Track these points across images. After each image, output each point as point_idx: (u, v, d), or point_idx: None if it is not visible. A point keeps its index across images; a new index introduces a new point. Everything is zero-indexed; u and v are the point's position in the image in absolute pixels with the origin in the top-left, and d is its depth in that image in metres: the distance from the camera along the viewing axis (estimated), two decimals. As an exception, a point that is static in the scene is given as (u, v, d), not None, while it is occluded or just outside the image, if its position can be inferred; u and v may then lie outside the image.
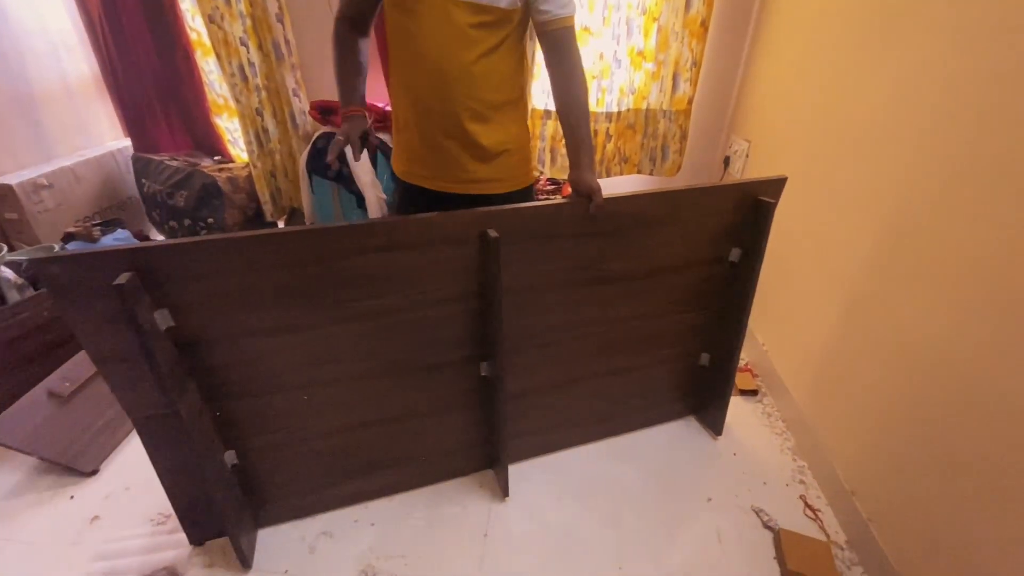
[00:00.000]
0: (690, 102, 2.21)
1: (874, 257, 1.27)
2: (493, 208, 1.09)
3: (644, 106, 2.24)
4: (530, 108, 2.23)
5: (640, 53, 2.13)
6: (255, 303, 1.00)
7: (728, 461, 1.51)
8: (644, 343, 1.45)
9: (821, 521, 1.35)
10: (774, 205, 1.27)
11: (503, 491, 1.37)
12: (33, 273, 1.84)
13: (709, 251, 1.36)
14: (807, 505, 1.39)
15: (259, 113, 2.39)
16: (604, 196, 1.12)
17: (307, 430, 1.20)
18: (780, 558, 1.24)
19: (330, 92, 2.24)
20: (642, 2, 2.03)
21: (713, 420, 1.60)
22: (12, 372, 1.55)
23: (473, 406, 1.33)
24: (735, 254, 1.37)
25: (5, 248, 1.88)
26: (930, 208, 1.10)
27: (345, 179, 2.18)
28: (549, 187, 2.36)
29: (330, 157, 1.04)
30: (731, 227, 1.33)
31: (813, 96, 1.60)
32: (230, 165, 2.59)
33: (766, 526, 1.33)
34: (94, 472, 1.42)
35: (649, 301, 1.38)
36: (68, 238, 2.11)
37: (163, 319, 0.93)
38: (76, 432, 1.45)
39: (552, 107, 2.27)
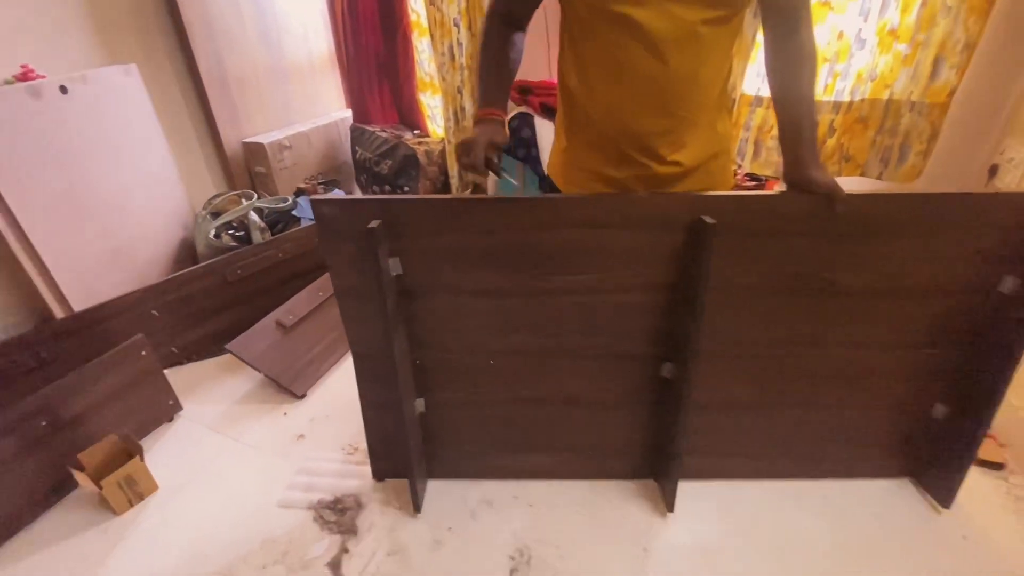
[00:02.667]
0: (951, 93, 1.80)
1: None
2: (712, 193, 0.99)
3: (886, 96, 1.88)
4: (739, 95, 2.02)
5: (892, 32, 1.78)
6: (466, 263, 1.06)
7: (955, 544, 1.22)
8: (862, 378, 1.22)
9: (1095, 654, 1.02)
10: None
11: (667, 506, 1.28)
12: (273, 219, 2.19)
13: (972, 276, 1.08)
14: (1072, 626, 1.06)
15: (460, 91, 2.53)
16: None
17: (487, 394, 1.24)
18: None
19: (531, 72, 2.27)
20: (908, -31, 1.68)
21: (940, 488, 1.30)
22: (252, 300, 1.86)
23: (647, 408, 1.25)
24: (1008, 284, 1.07)
25: (255, 196, 2.26)
26: None
27: (532, 160, 2.21)
28: (748, 183, 2.13)
29: (470, 160, 0.92)
30: (1007, 249, 1.04)
31: None
32: (427, 139, 2.81)
33: (1007, 638, 1.04)
34: (303, 396, 1.65)
35: (879, 327, 1.15)
36: (299, 192, 2.47)
37: (395, 266, 1.04)
38: (293, 358, 1.70)
39: (764, 93, 2.03)
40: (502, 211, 1.01)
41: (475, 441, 1.32)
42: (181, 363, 1.79)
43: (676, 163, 1.03)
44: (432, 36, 2.47)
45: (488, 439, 1.32)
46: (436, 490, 1.35)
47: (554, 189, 1.22)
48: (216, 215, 2.17)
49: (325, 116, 2.96)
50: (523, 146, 2.21)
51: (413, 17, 2.69)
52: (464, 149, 0.92)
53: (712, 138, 1.05)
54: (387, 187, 2.69)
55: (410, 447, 1.19)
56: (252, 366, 1.64)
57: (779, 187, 2.01)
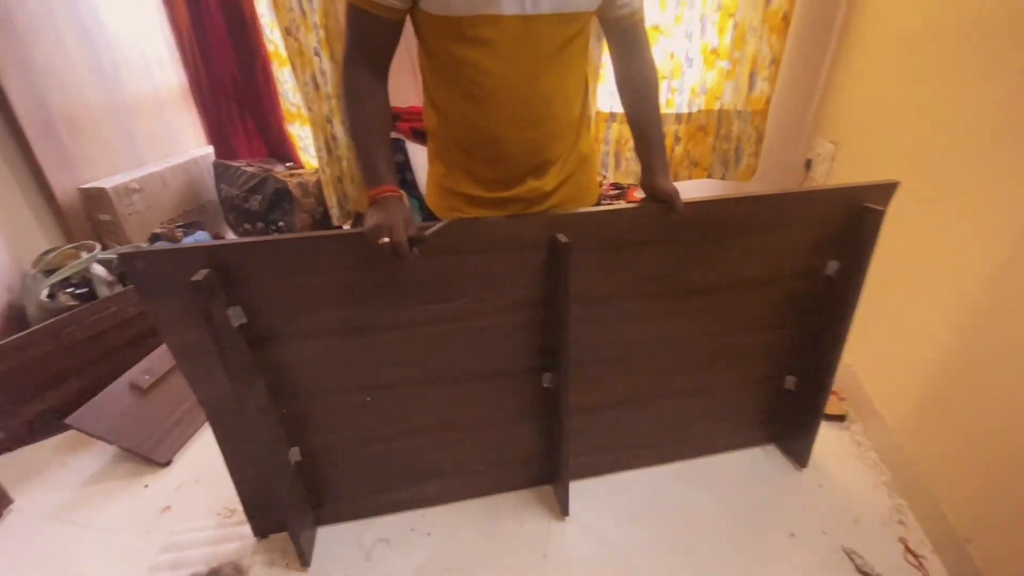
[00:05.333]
0: (768, 102, 2.07)
1: (995, 268, 1.11)
2: (565, 212, 1.04)
3: (717, 106, 2.12)
4: (594, 112, 2.17)
5: (714, 51, 2.02)
6: (323, 303, 1.00)
7: (814, 494, 1.37)
8: (724, 362, 1.34)
9: (926, 570, 1.18)
10: (882, 213, 1.14)
11: (563, 509, 1.30)
12: (122, 271, 1.97)
13: (802, 263, 1.24)
14: (908, 550, 1.23)
15: (329, 121, 2.46)
16: (687, 200, 1.04)
17: (369, 432, 1.19)
18: (878, 608, 1.10)
19: (399, 99, 2.26)
20: (718, -2, 1.92)
21: (798, 449, 1.45)
22: (98, 363, 1.65)
23: (535, 418, 1.28)
24: (832, 267, 1.24)
25: (98, 247, 2.02)
26: None
27: (408, 185, 2.20)
28: (612, 192, 2.28)
29: (394, 243, 0.84)
30: (829, 237, 1.20)
31: (916, 94, 1.44)
32: (300, 171, 2.69)
33: (860, 571, 1.18)
34: (168, 463, 1.48)
35: (732, 316, 1.27)
36: (154, 239, 2.24)
37: (236, 316, 0.94)
38: (153, 423, 1.52)
39: (617, 109, 2.20)
40: (357, 246, 0.96)
41: (367, 479, 1.27)
42: (10, 449, 1.53)
43: (546, 178, 1.05)
44: (293, 66, 2.39)
45: (381, 474, 1.27)
46: (328, 537, 1.27)
47: (434, 216, 1.18)
48: (52, 272, 1.90)
49: (183, 154, 2.73)
50: (398, 171, 2.20)
51: (271, 47, 2.58)
52: (377, 232, 0.84)
53: (577, 152, 1.10)
54: (259, 224, 2.53)
55: (287, 499, 1.10)
56: (102, 439, 1.44)
57: (639, 193, 2.18)
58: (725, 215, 1.12)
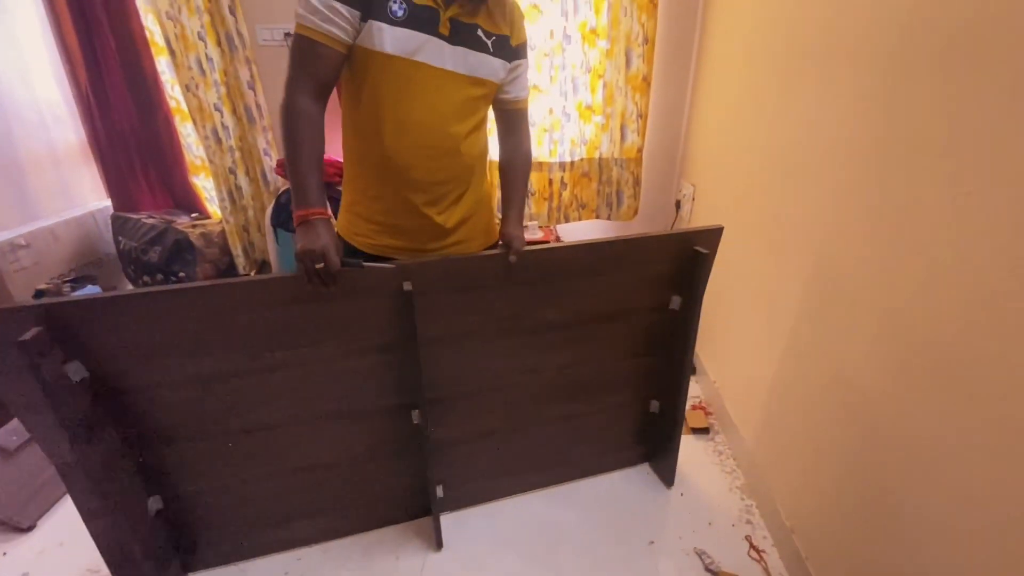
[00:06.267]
0: (639, 151, 2.32)
1: (805, 301, 1.27)
2: (410, 261, 1.11)
3: (597, 155, 2.34)
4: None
5: (588, 107, 2.26)
6: (174, 353, 1.03)
7: (675, 503, 1.49)
8: (588, 390, 1.44)
9: (765, 562, 1.31)
10: (709, 256, 1.26)
11: (437, 541, 1.35)
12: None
13: (649, 299, 1.35)
14: (752, 546, 1.36)
15: (232, 172, 2.51)
16: (531, 247, 1.17)
17: (234, 476, 1.20)
18: (720, 603, 1.21)
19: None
20: (586, 61, 2.17)
21: (663, 468, 1.57)
22: (-38, 428, 1.56)
23: (406, 453, 1.32)
24: (676, 302, 1.35)
25: (-27, 306, 1.94)
26: (851, 255, 1.09)
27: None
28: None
29: (327, 289, 0.98)
30: (670, 275, 1.31)
31: (744, 141, 1.69)
32: (205, 221, 2.69)
33: (707, 569, 1.30)
34: (31, 528, 1.41)
35: (589, 349, 1.37)
36: (39, 295, 2.17)
37: (76, 371, 0.96)
38: (17, 487, 1.45)
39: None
40: (200, 299, 1.00)
41: (236, 523, 1.27)
42: None
43: (451, 213, 1.18)
44: (194, 121, 2.44)
45: (251, 517, 1.28)
46: None
47: (347, 247, 1.22)
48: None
49: (79, 207, 2.68)
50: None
51: (173, 103, 2.63)
52: (313, 257, 0.92)
53: (478, 193, 1.24)
54: (159, 276, 2.50)
55: (145, 550, 1.10)
56: (-45, 507, 1.36)
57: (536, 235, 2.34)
58: (561, 260, 1.22)
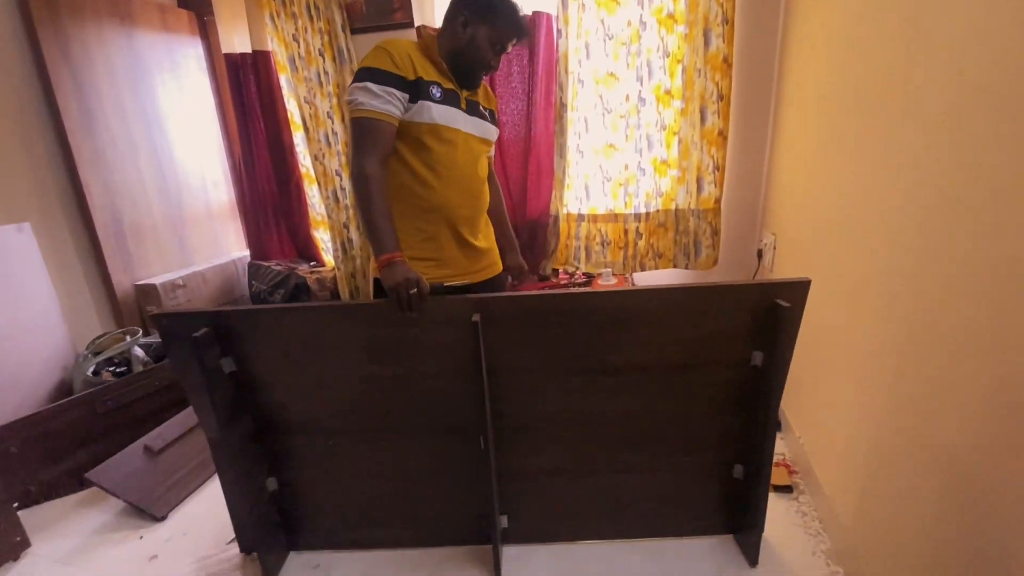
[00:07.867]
0: (717, 201, 2.35)
1: (901, 360, 1.13)
2: (482, 296, 1.25)
3: (673, 207, 2.40)
4: (559, 213, 2.48)
5: (664, 162, 2.35)
6: (296, 360, 1.28)
7: (758, 568, 1.39)
8: (659, 442, 1.38)
9: (851, 635, 1.19)
10: (793, 310, 1.14)
11: (496, 570, 1.37)
12: (160, 353, 2.30)
13: (727, 352, 1.26)
14: (837, 616, 1.24)
15: (345, 226, 2.89)
16: (591, 290, 1.30)
17: (332, 472, 1.39)
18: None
19: (399, 207, 2.69)
20: (660, 119, 2.29)
21: (748, 545, 1.41)
22: (125, 428, 1.91)
23: (475, 478, 1.37)
24: (757, 358, 1.25)
25: (140, 331, 2.38)
26: (954, 313, 0.96)
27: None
28: (583, 279, 2.53)
29: (415, 314, 1.16)
30: (749, 329, 1.23)
31: (826, 189, 1.63)
32: (321, 269, 3.09)
33: (783, 633, 1.20)
34: (164, 518, 1.67)
35: (658, 399, 1.32)
36: (188, 326, 2.60)
37: (227, 364, 1.24)
38: (156, 483, 1.73)
39: (584, 210, 2.52)
40: (315, 318, 1.25)
41: (328, 516, 1.44)
42: (38, 501, 1.76)
43: (484, 236, 1.51)
44: (319, 184, 2.88)
45: (339, 514, 1.45)
46: (297, 561, 1.47)
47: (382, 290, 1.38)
48: (99, 353, 2.25)
49: (224, 256, 3.20)
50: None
51: (303, 170, 3.12)
52: (408, 284, 1.13)
53: (489, 226, 1.58)
54: (280, 314, 2.89)
55: (259, 520, 1.32)
56: (111, 492, 1.66)
57: (603, 281, 2.42)
58: (634, 304, 1.23)
